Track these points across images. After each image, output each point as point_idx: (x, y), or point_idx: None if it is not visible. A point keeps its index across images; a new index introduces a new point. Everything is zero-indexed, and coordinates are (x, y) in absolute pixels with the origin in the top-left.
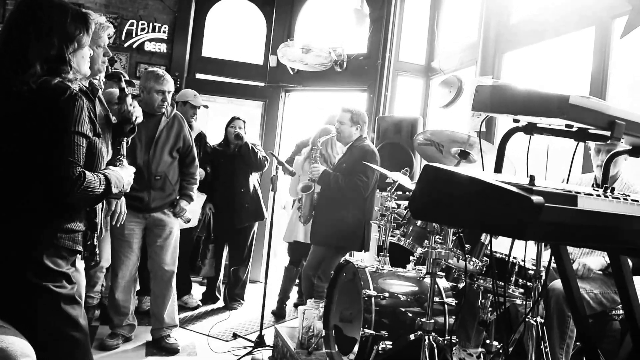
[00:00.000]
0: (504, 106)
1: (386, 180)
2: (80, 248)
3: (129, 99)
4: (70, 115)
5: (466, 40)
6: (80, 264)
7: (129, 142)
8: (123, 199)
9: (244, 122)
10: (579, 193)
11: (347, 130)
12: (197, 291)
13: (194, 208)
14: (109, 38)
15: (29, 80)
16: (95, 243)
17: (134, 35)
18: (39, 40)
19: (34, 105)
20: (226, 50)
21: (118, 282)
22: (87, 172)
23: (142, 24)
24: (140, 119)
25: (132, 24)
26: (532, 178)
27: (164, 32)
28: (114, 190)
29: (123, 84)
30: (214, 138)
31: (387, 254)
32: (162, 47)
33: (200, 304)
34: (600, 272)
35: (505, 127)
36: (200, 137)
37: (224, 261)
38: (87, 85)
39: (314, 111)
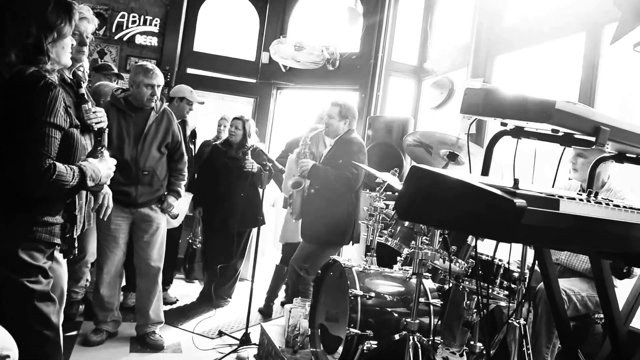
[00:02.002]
0: (492, 109)
1: (376, 181)
2: (58, 241)
3: (85, 106)
4: (43, 105)
5: (458, 43)
6: (60, 256)
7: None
8: (110, 192)
9: (245, 121)
10: (562, 197)
11: (335, 124)
12: (179, 287)
13: (182, 208)
14: (97, 31)
15: (2, 70)
16: (75, 236)
17: (124, 27)
18: (15, 28)
19: (6, 95)
20: (218, 45)
21: (103, 278)
22: (58, 164)
23: (134, 17)
24: (104, 124)
25: (123, 16)
26: (516, 181)
27: (156, 25)
28: (90, 183)
29: (82, 90)
30: (204, 134)
31: (375, 254)
32: (153, 41)
33: (178, 299)
34: (588, 272)
35: (495, 130)
36: (194, 134)
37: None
38: (72, 77)
39: (305, 109)
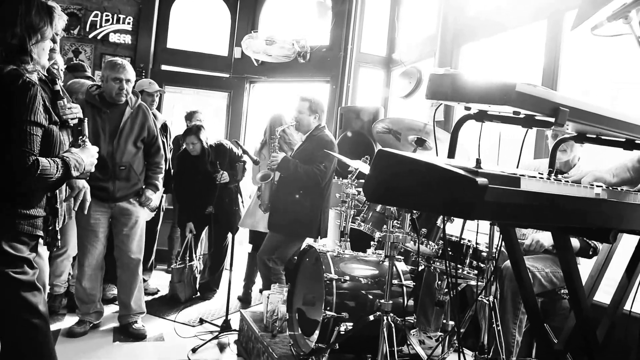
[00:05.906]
0: (456, 94)
1: (348, 169)
2: (40, 233)
3: (61, 103)
4: (23, 104)
5: (425, 33)
6: (43, 250)
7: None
8: (88, 186)
9: (195, 133)
10: (523, 175)
11: (305, 119)
12: (159, 278)
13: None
14: (72, 30)
15: None
16: (57, 228)
17: (98, 26)
18: (1, 29)
19: None
20: (191, 41)
21: (84, 271)
22: (41, 158)
23: (107, 15)
24: (80, 116)
25: (96, 15)
26: (478, 162)
27: (129, 23)
28: (74, 173)
29: (57, 87)
30: (180, 128)
31: (348, 239)
32: (127, 39)
33: (159, 290)
34: (552, 248)
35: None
36: (165, 128)
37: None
38: (47, 74)
39: (278, 102)
